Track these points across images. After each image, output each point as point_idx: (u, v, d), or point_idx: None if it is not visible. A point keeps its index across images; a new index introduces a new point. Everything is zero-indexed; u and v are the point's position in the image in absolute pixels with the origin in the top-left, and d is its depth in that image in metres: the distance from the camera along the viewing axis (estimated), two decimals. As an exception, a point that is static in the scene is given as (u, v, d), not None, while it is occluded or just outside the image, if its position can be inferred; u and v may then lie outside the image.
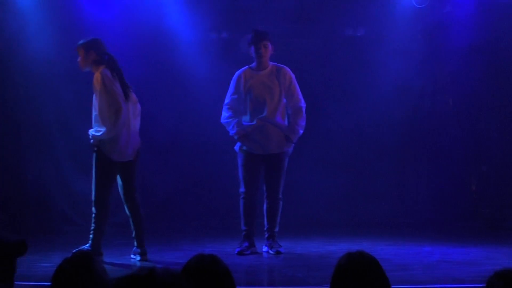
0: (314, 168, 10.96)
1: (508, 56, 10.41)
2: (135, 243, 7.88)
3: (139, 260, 7.76)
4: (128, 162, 7.86)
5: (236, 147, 8.33)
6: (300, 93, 8.32)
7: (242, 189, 8.29)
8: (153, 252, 8.42)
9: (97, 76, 7.75)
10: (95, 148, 7.84)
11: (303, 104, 8.29)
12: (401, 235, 9.74)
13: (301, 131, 8.27)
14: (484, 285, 3.28)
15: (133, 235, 7.89)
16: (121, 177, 7.93)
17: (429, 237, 9.35)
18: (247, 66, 8.42)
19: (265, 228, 8.33)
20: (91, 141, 7.90)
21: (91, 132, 7.93)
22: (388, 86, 10.77)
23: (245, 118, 8.28)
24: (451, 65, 10.65)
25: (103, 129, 7.73)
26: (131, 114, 7.88)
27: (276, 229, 8.31)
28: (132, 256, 7.89)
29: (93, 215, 7.90)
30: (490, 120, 10.72)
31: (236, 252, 8.06)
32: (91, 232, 7.84)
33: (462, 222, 10.57)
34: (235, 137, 8.26)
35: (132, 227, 7.92)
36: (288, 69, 8.41)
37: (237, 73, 8.40)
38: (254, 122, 8.18)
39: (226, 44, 10.89)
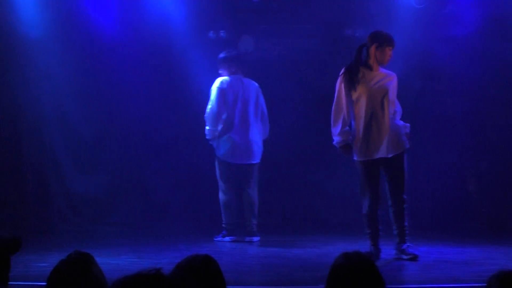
0: (314, 169, 10.96)
1: (509, 52, 10.40)
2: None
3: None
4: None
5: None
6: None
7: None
8: (151, 252, 8.43)
9: None
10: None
11: None
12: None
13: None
14: (482, 284, 3.29)
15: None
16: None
17: (427, 237, 9.34)
18: None
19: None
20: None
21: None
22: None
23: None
24: (450, 65, 10.64)
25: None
26: None
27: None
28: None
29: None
30: (489, 119, 10.73)
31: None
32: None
33: (460, 221, 10.56)
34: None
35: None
36: None
37: None
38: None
39: (224, 44, 10.89)
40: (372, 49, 7.80)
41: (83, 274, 3.29)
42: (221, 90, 9.25)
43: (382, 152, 7.72)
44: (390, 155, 7.74)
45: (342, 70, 7.88)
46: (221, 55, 9.53)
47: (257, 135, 9.37)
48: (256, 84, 9.43)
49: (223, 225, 9.39)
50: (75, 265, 3.31)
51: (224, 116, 9.27)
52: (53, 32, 10.18)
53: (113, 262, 7.57)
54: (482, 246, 8.75)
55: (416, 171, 10.65)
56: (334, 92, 7.92)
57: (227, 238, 9.29)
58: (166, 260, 7.77)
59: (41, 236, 9.74)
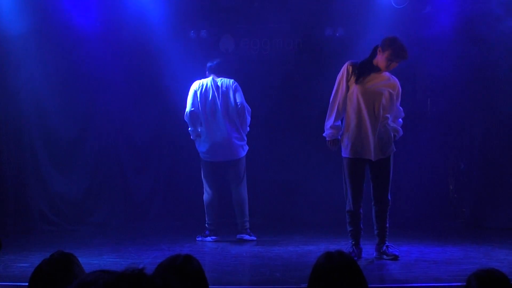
0: (296, 168, 10.98)
1: (487, 54, 10.45)
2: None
3: None
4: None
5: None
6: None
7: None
8: (132, 252, 8.41)
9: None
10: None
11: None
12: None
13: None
14: (462, 284, 3.31)
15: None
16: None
17: (407, 236, 9.37)
18: None
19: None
20: None
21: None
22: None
23: None
24: (430, 65, 10.68)
25: None
26: None
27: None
28: None
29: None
30: (469, 119, 10.77)
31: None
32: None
33: (441, 221, 10.61)
34: None
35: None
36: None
37: None
38: None
39: (205, 43, 10.89)
40: (378, 51, 7.82)
41: (65, 274, 3.28)
42: (194, 92, 9.32)
43: (368, 154, 7.74)
44: (375, 159, 7.76)
45: (347, 63, 7.87)
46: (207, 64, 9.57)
47: (235, 131, 9.36)
48: (230, 81, 9.40)
49: (206, 225, 9.39)
50: (58, 265, 3.30)
51: (200, 117, 9.31)
52: (32, 31, 10.10)
53: (95, 262, 7.55)
54: (462, 245, 8.78)
55: (397, 171, 10.70)
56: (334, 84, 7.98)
57: (208, 238, 9.29)
58: (148, 260, 7.76)
59: (22, 237, 9.70)
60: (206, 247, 8.93)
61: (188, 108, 9.34)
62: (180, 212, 10.92)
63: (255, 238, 9.34)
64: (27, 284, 3.40)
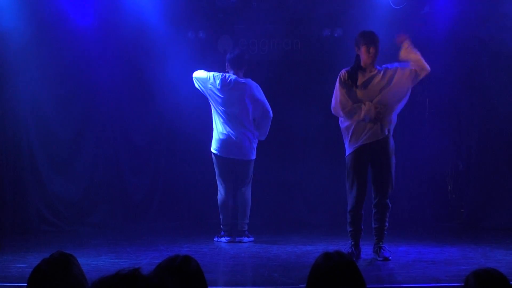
0: (294, 168, 10.98)
1: (484, 54, 10.47)
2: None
3: None
4: None
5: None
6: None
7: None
8: (130, 253, 8.40)
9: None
10: None
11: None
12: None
13: None
14: (460, 284, 3.31)
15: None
16: None
17: (406, 237, 9.38)
18: None
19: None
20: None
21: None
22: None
23: None
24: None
25: None
26: None
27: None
28: None
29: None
30: (467, 119, 10.78)
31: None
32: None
33: (439, 221, 10.61)
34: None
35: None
36: None
37: None
38: None
39: (203, 44, 10.89)
40: (358, 52, 7.89)
41: (64, 275, 3.28)
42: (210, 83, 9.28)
43: (363, 138, 7.79)
44: (373, 140, 7.79)
45: (342, 71, 7.94)
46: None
47: (248, 132, 9.31)
48: (253, 83, 9.35)
49: (221, 226, 9.36)
50: (57, 265, 3.30)
51: (219, 112, 9.25)
52: (30, 32, 10.11)
53: (93, 262, 7.55)
54: (461, 246, 8.79)
55: (395, 172, 10.71)
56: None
57: (223, 239, 9.26)
58: (146, 260, 7.77)
59: (20, 237, 9.68)
60: (205, 247, 8.91)
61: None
62: (178, 213, 10.92)
63: (252, 239, 9.34)
64: (25, 284, 3.39)
